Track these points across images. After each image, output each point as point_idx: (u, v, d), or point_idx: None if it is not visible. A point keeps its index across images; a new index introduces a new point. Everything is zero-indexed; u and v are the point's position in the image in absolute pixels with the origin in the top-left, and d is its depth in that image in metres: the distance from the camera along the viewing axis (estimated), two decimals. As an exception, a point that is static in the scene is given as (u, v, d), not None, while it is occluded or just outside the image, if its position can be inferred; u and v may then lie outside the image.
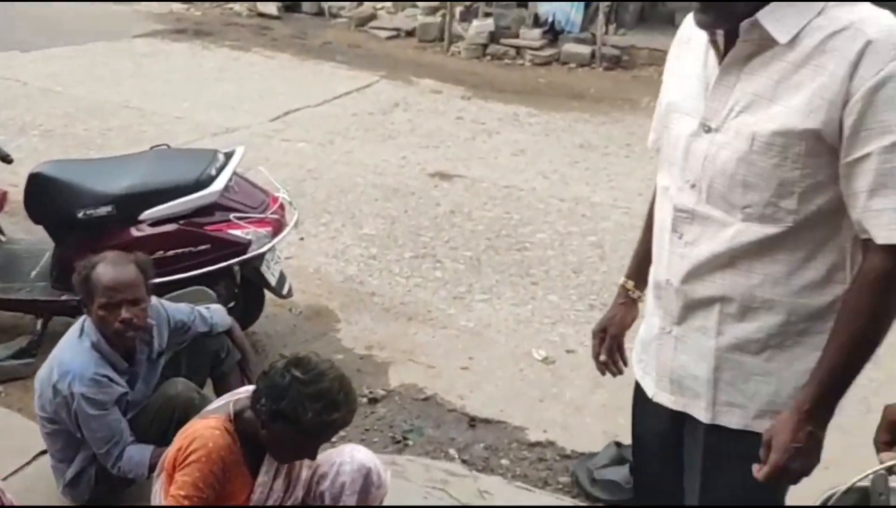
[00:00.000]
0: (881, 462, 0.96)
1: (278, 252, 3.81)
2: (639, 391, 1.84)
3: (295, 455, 2.27)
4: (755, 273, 1.57)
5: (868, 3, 1.51)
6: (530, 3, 9.27)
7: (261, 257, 3.52)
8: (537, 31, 9.10)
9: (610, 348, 2.01)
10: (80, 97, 7.13)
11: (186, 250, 3.36)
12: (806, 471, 1.54)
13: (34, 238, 3.98)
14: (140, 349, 2.71)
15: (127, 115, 6.79)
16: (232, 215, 3.46)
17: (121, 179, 3.45)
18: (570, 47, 8.96)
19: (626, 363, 2.01)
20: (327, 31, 10.05)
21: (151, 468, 2.50)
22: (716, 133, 1.56)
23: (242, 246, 3.44)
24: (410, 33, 9.73)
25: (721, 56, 1.58)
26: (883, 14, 1.48)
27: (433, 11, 9.95)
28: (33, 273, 3.67)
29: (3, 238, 3.91)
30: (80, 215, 3.37)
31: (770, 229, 1.54)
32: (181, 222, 3.40)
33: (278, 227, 3.60)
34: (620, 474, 2.94)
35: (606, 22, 8.96)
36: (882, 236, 1.46)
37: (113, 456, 2.59)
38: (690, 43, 1.68)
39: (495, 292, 4.40)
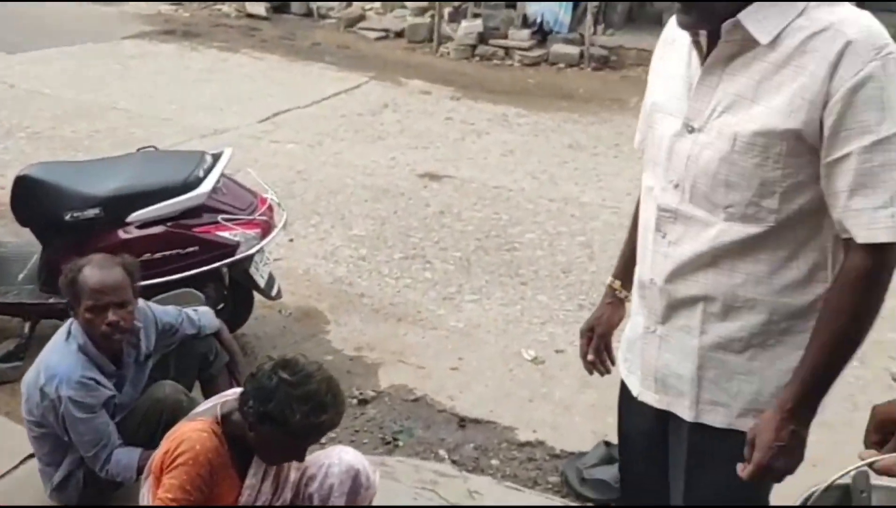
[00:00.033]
0: (861, 459, 0.97)
1: (267, 254, 3.80)
2: (624, 390, 1.85)
3: (283, 457, 2.27)
4: (738, 273, 1.58)
5: (848, 4, 1.52)
6: (519, 4, 9.29)
7: (249, 258, 3.52)
8: (526, 32, 9.12)
9: (597, 347, 2.02)
10: (67, 99, 7.10)
11: (174, 252, 3.35)
12: (789, 470, 1.55)
13: (21, 241, 3.97)
14: (127, 352, 2.71)
15: (115, 117, 6.77)
16: (220, 217, 3.45)
17: (108, 181, 3.44)
18: (558, 48, 8.98)
19: (613, 363, 2.02)
20: (316, 32, 10.04)
21: (139, 471, 2.50)
22: (699, 133, 1.57)
23: (231, 248, 3.43)
24: (399, 34, 9.74)
25: (703, 57, 1.59)
26: (862, 15, 1.49)
27: (422, 12, 9.96)
28: (21, 276, 3.65)
29: (-9, 241, 3.89)
30: (68, 217, 3.35)
31: (752, 229, 1.55)
32: (169, 224, 3.39)
33: (267, 228, 3.59)
34: (610, 473, 2.95)
35: (595, 22, 9.00)
36: (862, 236, 1.47)
37: (101, 460, 2.59)
38: (675, 44, 1.69)
39: (485, 292, 4.41)
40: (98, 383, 2.59)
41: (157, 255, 3.33)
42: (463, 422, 3.40)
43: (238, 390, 2.32)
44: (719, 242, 1.57)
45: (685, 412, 1.69)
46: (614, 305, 2.00)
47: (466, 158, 6.23)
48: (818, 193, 1.52)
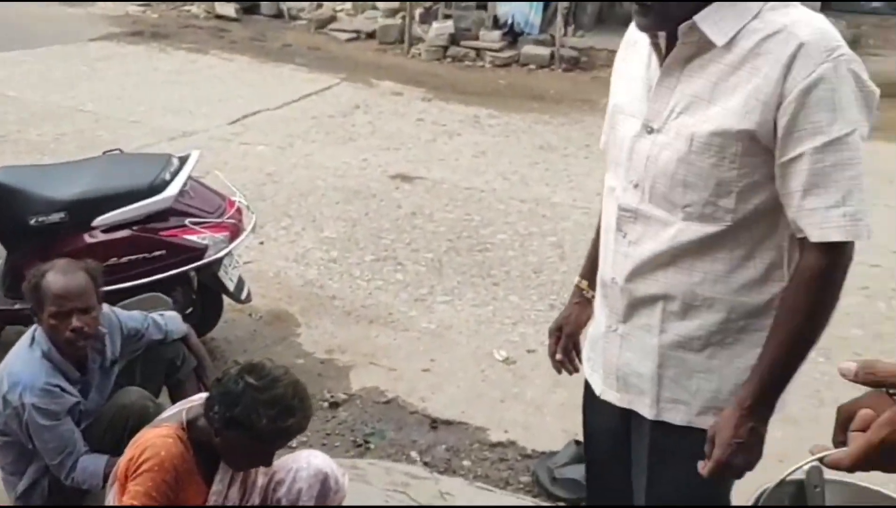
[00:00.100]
0: (811, 454, 0.98)
1: (236, 257, 3.78)
2: (588, 389, 1.87)
3: (250, 462, 2.26)
4: (696, 271, 1.60)
5: (802, 7, 1.54)
6: (489, 5, 9.32)
7: (218, 262, 3.49)
8: (497, 33, 9.15)
9: (566, 346, 2.03)
10: (33, 102, 7.00)
11: (141, 256, 3.33)
12: (749, 466, 1.57)
13: (-15, 246, 3.90)
14: (92, 358, 2.68)
15: (81, 119, 6.69)
16: (187, 220, 3.42)
17: (73, 185, 3.40)
18: (529, 49, 9.02)
19: (581, 362, 2.04)
20: (286, 33, 9.99)
21: (106, 478, 2.47)
22: (657, 134, 1.59)
23: (199, 251, 3.40)
24: (371, 35, 9.72)
25: (662, 58, 1.60)
26: (816, 17, 1.51)
27: (393, 13, 9.94)
28: (-16, 282, 3.59)
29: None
30: (33, 221, 3.31)
31: (709, 228, 1.57)
32: (135, 227, 3.36)
33: (236, 231, 3.57)
34: (580, 472, 2.94)
35: (565, 24, 9.04)
36: (815, 235, 1.49)
37: (66, 467, 2.55)
38: (636, 46, 1.71)
39: (457, 293, 4.41)
40: (63, 389, 2.56)
41: (124, 259, 3.30)
42: (435, 423, 3.40)
43: (203, 395, 2.31)
44: (678, 241, 1.59)
45: (646, 410, 1.71)
46: (582, 304, 2.01)
47: (438, 160, 6.24)
48: (773, 192, 1.54)
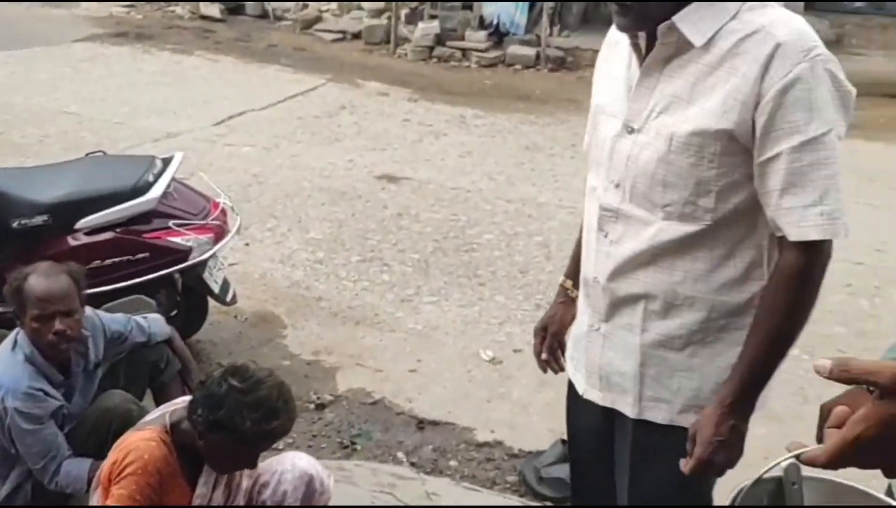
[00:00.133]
0: (788, 451, 0.99)
1: (221, 259, 3.76)
2: (572, 388, 1.88)
3: (234, 465, 2.25)
4: (677, 271, 1.61)
5: (780, 7, 1.56)
6: (475, 5, 9.32)
7: (203, 263, 3.48)
8: (482, 34, 9.16)
9: (551, 346, 2.04)
10: (16, 104, 6.95)
11: (124, 258, 3.31)
12: (730, 464, 1.58)
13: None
14: (75, 361, 2.66)
15: (65, 121, 6.64)
16: (171, 222, 3.41)
17: (56, 187, 3.38)
18: (515, 49, 9.03)
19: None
20: (272, 33, 9.95)
21: (89, 481, 2.45)
22: (638, 134, 1.60)
23: (183, 253, 3.39)
24: (356, 36, 9.70)
25: (642, 59, 1.61)
26: (793, 18, 1.52)
27: (379, 14, 9.93)
28: (-34, 286, 3.57)
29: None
30: (15, 224, 3.29)
31: (689, 228, 1.58)
32: (118, 230, 3.34)
33: (220, 233, 3.56)
34: (567, 471, 2.95)
35: (550, 24, 9.06)
36: (794, 234, 1.51)
37: (50, 471, 2.54)
38: (618, 46, 1.72)
39: (443, 293, 4.41)
40: (46, 393, 2.54)
41: (107, 261, 3.29)
42: (421, 424, 3.40)
43: (187, 398, 2.30)
44: (658, 240, 1.60)
45: (628, 409, 1.71)
46: (566, 304, 2.02)
47: (424, 160, 6.24)
48: (752, 192, 1.55)
